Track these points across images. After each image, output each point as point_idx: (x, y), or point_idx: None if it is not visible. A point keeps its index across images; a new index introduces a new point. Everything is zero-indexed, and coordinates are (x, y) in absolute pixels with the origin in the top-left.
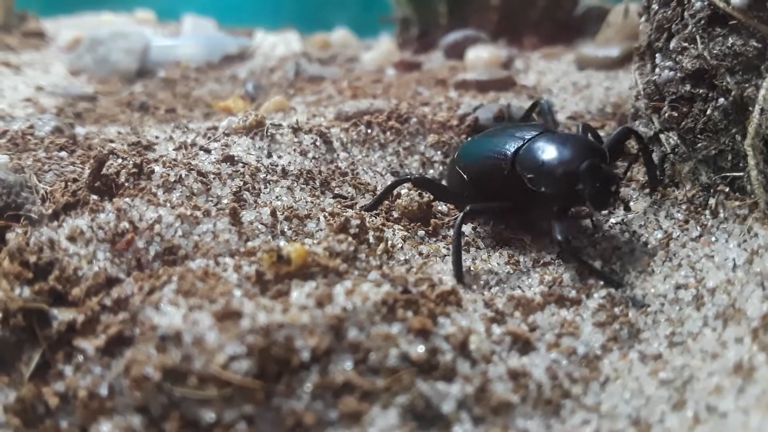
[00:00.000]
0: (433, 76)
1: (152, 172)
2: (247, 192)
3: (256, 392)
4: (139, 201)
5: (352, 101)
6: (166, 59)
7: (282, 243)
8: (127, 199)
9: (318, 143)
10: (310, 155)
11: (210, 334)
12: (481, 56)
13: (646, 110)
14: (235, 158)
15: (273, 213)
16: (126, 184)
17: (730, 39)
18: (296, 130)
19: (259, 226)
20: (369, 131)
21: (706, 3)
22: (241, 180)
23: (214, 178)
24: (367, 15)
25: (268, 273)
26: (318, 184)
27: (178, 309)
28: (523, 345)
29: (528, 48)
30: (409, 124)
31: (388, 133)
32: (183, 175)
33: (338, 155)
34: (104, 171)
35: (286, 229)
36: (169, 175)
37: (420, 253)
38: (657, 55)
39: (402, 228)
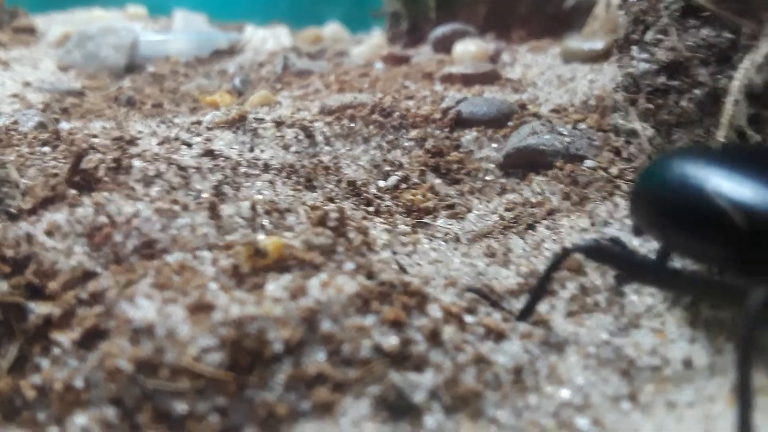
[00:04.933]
0: (421, 69)
1: (131, 166)
2: (227, 186)
3: (228, 384)
4: (118, 195)
5: (336, 95)
6: (155, 54)
7: (259, 236)
8: (105, 194)
9: (301, 137)
10: (292, 149)
11: (182, 327)
12: (469, 50)
13: (624, 103)
14: (216, 152)
15: (253, 207)
16: (105, 179)
17: (703, 30)
18: (279, 124)
19: (239, 220)
20: (352, 125)
21: None
22: (221, 174)
23: (194, 172)
24: (360, 10)
25: (245, 266)
26: (300, 178)
27: (153, 302)
28: (496, 335)
29: (516, 41)
30: (393, 117)
31: (372, 127)
32: (163, 170)
33: (321, 149)
34: (84, 166)
35: (266, 223)
36: (148, 169)
37: (402, 244)
38: (634, 47)
39: (383, 221)
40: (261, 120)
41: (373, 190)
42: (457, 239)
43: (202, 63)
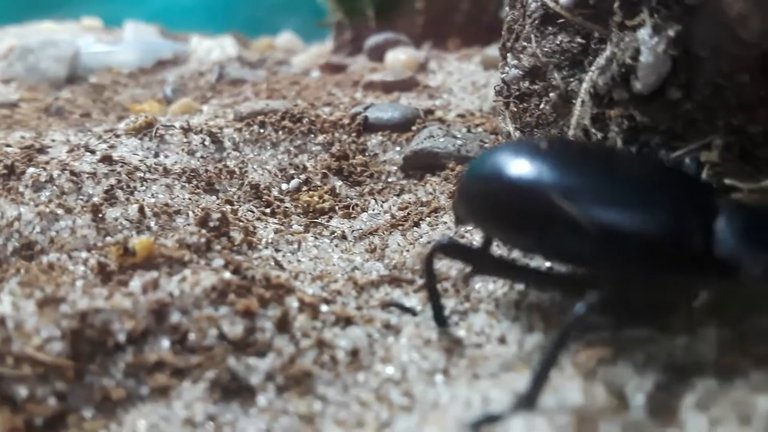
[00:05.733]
0: (353, 77)
1: (23, 172)
2: (120, 190)
3: (67, 371)
4: (4, 200)
5: (248, 102)
6: (98, 65)
7: (138, 237)
8: None
9: (207, 143)
10: (198, 154)
11: (30, 319)
12: (399, 58)
13: (501, 107)
14: (115, 158)
15: (141, 209)
16: None
17: (558, 37)
18: (186, 130)
19: (124, 222)
20: (262, 131)
21: (539, 3)
22: (115, 178)
23: (87, 178)
24: (315, 20)
25: (113, 264)
26: (201, 182)
27: (14, 298)
28: (344, 321)
29: (452, 50)
30: (302, 123)
31: (281, 132)
32: (55, 175)
33: (228, 154)
34: None
35: (152, 225)
36: (39, 175)
37: (288, 243)
38: (508, 54)
39: (277, 222)
40: (169, 126)
41: (275, 193)
42: (344, 237)
43: (145, 73)
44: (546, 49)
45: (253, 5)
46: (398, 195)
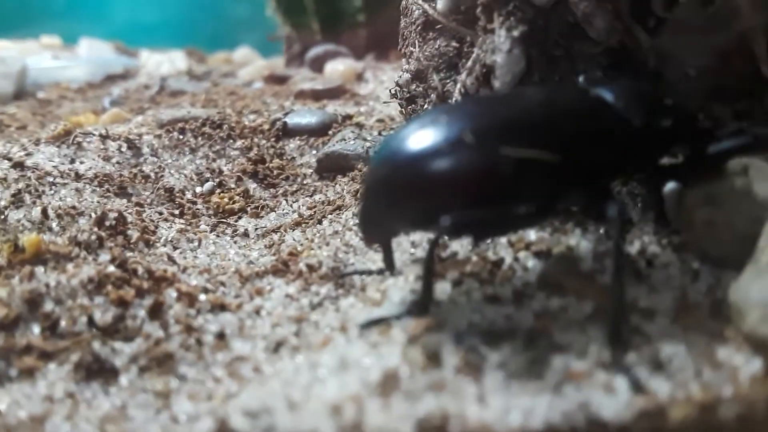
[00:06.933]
0: (292, 88)
1: None
2: (28, 194)
3: None
4: None
5: (168, 110)
6: (48, 81)
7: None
8: None
9: (123, 149)
10: (114, 160)
11: None
12: (338, 69)
13: (400, 109)
14: (27, 164)
15: (44, 211)
16: None
17: (437, 41)
18: (104, 137)
19: (26, 223)
20: (181, 137)
21: (420, 11)
22: (24, 183)
23: None
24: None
25: (2, 260)
26: (114, 186)
27: None
28: (219, 308)
29: (394, 60)
30: (222, 129)
31: (200, 138)
32: None
33: (146, 159)
34: None
35: (54, 226)
36: None
37: (188, 241)
38: (403, 60)
39: (183, 222)
40: (87, 134)
41: (189, 196)
42: (246, 234)
43: (93, 88)
44: (427, 53)
45: (214, 22)
46: (310, 196)
